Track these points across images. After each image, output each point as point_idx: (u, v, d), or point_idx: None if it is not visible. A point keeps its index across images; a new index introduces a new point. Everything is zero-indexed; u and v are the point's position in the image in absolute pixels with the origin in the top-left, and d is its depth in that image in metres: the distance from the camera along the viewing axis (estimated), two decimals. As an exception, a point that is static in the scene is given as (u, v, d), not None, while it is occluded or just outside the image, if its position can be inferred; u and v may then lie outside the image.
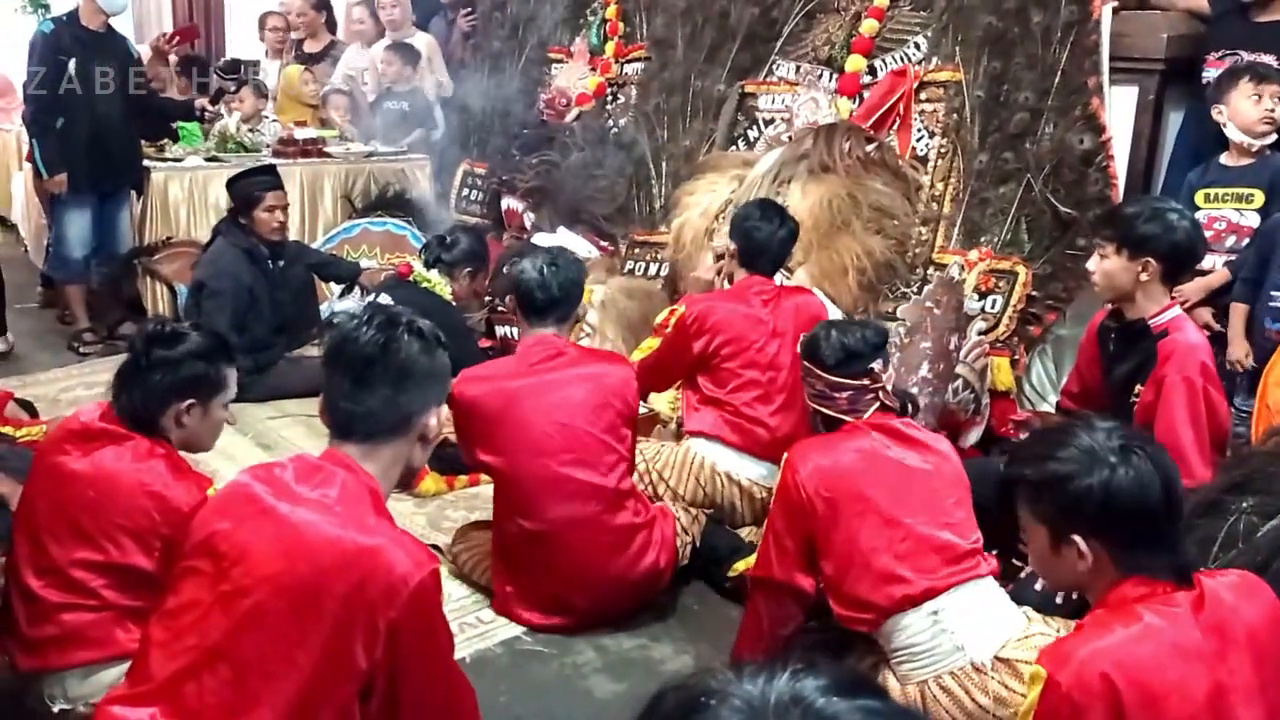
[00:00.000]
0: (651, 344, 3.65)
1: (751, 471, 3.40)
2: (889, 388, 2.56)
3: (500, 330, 5.03)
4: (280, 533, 1.73)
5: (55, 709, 2.32)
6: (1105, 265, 2.88)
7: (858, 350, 2.53)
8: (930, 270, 4.12)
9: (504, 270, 5.18)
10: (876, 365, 2.54)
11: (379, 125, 6.54)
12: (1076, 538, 1.68)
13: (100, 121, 5.22)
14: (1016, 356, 3.82)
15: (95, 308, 5.59)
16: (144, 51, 5.98)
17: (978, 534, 2.44)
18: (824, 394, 2.57)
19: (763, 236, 3.48)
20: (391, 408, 1.85)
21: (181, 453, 2.41)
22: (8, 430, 3.29)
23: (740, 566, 3.09)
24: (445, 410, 1.92)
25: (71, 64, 5.11)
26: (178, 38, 6.44)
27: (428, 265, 4.16)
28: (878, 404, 2.54)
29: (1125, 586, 1.65)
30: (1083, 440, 1.71)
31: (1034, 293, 3.83)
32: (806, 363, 2.60)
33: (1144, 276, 2.81)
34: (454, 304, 4.17)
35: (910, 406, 2.67)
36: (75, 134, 5.16)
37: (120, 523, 2.26)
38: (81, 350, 5.38)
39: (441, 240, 4.23)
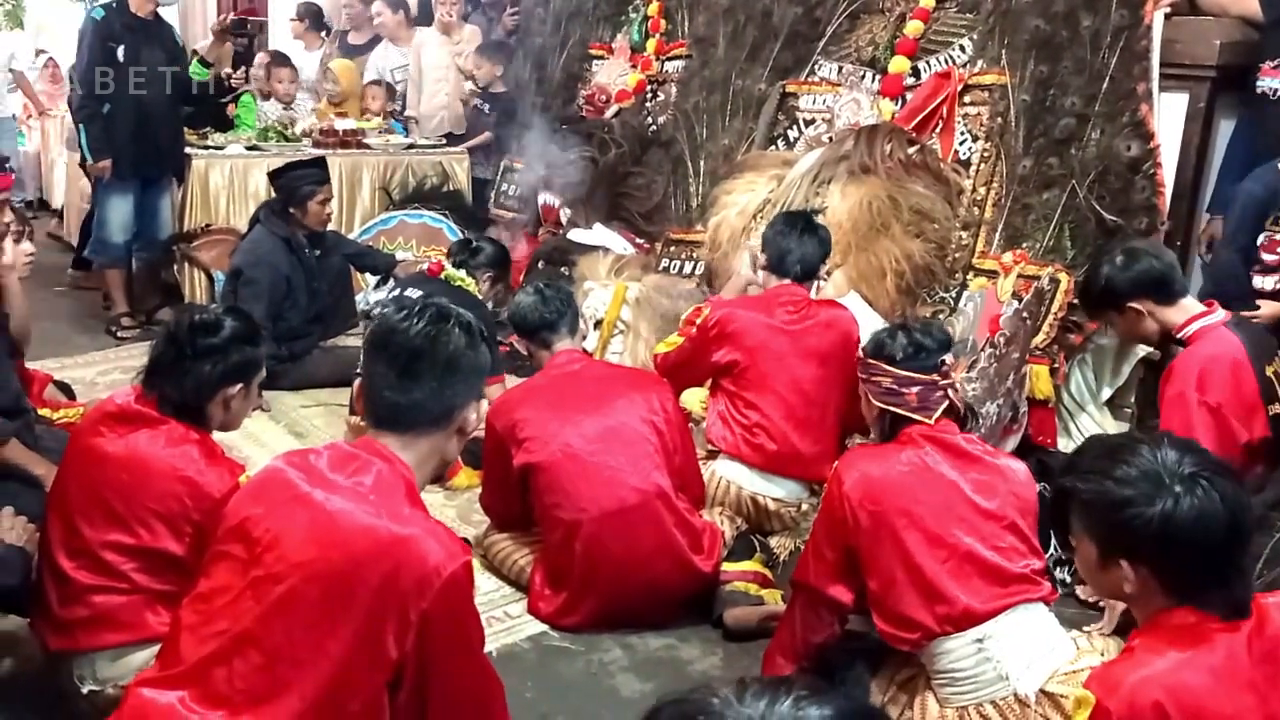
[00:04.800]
0: (675, 340, 3.62)
1: (776, 491, 3.39)
2: (958, 387, 2.47)
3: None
4: (314, 520, 1.73)
5: (84, 690, 2.34)
6: (1120, 329, 3.20)
7: (927, 345, 2.47)
8: (970, 275, 4.07)
9: (538, 266, 5.20)
10: (948, 359, 2.46)
11: (466, 121, 6.53)
12: (1124, 563, 1.60)
13: (146, 108, 5.27)
14: (1056, 365, 3.74)
15: (133, 293, 5.65)
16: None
17: (1031, 560, 2.34)
18: (892, 391, 2.46)
19: (786, 241, 3.45)
20: (437, 400, 1.85)
21: (215, 435, 2.42)
22: (46, 412, 3.32)
23: (729, 567, 3.08)
24: (483, 404, 1.91)
25: (120, 50, 5.16)
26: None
27: (455, 266, 4.28)
28: (947, 403, 2.43)
29: (1177, 612, 1.59)
30: (1146, 462, 1.60)
31: (1075, 300, 3.77)
32: (873, 360, 2.51)
33: (1143, 315, 2.99)
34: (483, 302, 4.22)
35: (971, 419, 2.59)
36: (121, 120, 5.22)
37: (152, 506, 2.26)
38: (119, 335, 5.44)
39: (467, 244, 4.39)
